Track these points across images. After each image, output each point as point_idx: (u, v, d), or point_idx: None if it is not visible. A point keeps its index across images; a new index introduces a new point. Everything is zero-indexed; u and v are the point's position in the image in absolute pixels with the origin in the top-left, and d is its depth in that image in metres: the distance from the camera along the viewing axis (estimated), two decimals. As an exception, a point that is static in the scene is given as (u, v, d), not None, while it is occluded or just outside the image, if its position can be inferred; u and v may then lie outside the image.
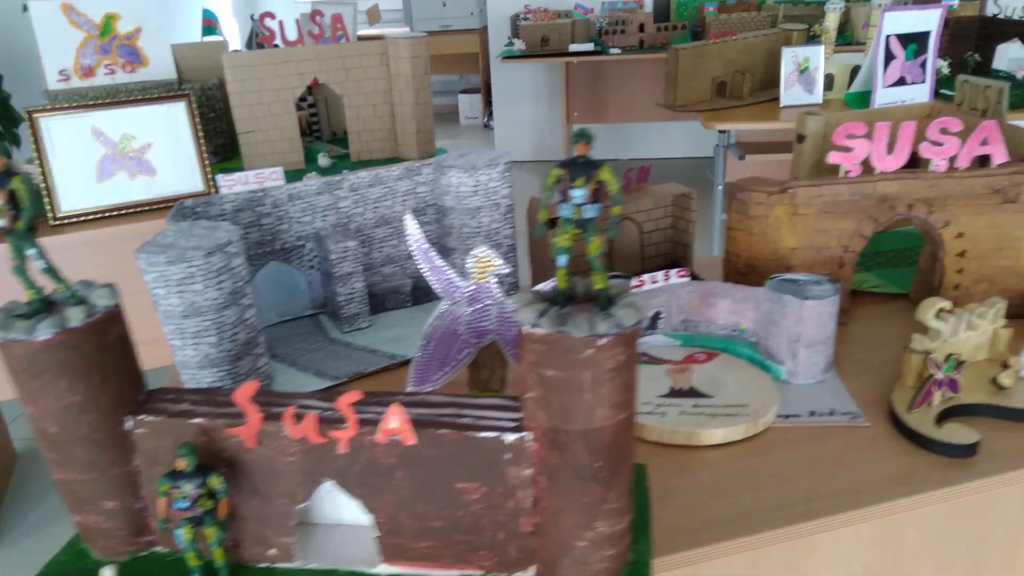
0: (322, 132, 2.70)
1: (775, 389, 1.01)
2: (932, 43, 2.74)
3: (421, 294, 1.36)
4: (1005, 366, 0.98)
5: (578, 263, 0.68)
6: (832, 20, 3.03)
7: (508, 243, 1.32)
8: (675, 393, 1.01)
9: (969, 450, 0.89)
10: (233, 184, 1.18)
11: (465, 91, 7.58)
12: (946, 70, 2.89)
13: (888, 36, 2.71)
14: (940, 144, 1.12)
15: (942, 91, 2.85)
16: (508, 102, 5.92)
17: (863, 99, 2.82)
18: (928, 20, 2.71)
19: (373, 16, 2.37)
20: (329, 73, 2.25)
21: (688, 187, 1.40)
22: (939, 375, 0.94)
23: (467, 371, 1.04)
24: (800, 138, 1.44)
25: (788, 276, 1.10)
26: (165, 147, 2.02)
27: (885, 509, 0.87)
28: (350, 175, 1.26)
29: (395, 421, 0.69)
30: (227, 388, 0.74)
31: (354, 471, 0.72)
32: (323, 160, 2.31)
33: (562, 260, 0.66)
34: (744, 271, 1.20)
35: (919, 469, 0.90)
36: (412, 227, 0.98)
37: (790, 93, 2.90)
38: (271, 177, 1.20)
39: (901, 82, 2.78)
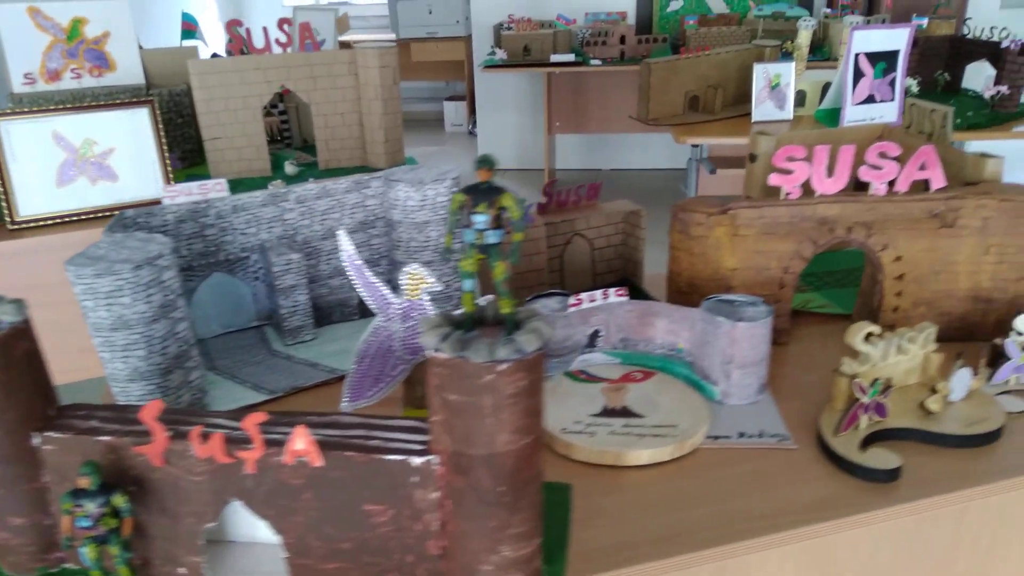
0: (293, 139, 2.69)
1: (707, 410, 1.01)
2: (901, 62, 2.76)
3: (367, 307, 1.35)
4: (933, 391, 0.99)
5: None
6: (804, 37, 3.06)
7: (455, 258, 1.32)
8: (607, 412, 1.01)
9: (891, 475, 0.90)
10: (176, 195, 1.17)
11: (451, 98, 7.59)
12: (915, 88, 2.92)
13: (857, 54, 2.74)
14: (879, 168, 1.13)
15: (911, 109, 2.88)
16: (491, 110, 5.94)
17: (833, 116, 2.85)
18: (897, 39, 2.73)
19: (343, 25, 2.37)
20: (297, 81, 2.25)
21: (639, 204, 1.41)
22: (865, 399, 0.94)
23: (402, 388, 1.04)
24: (752, 157, 1.45)
25: (725, 297, 1.11)
26: (127, 153, 2.01)
27: (808, 532, 0.87)
28: (296, 187, 1.26)
29: (301, 442, 0.69)
30: (138, 405, 0.73)
31: (261, 491, 0.72)
32: (289, 168, 2.31)
33: (467, 284, 0.66)
34: (686, 290, 1.20)
35: (844, 493, 0.90)
36: (345, 242, 0.98)
37: (761, 109, 2.92)
38: (215, 188, 1.19)
39: (870, 100, 2.81)
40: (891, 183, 1.14)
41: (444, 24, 6.79)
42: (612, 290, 1.11)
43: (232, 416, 0.72)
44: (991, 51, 2.85)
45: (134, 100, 2.02)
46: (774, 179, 1.14)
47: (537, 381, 0.65)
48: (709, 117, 3.01)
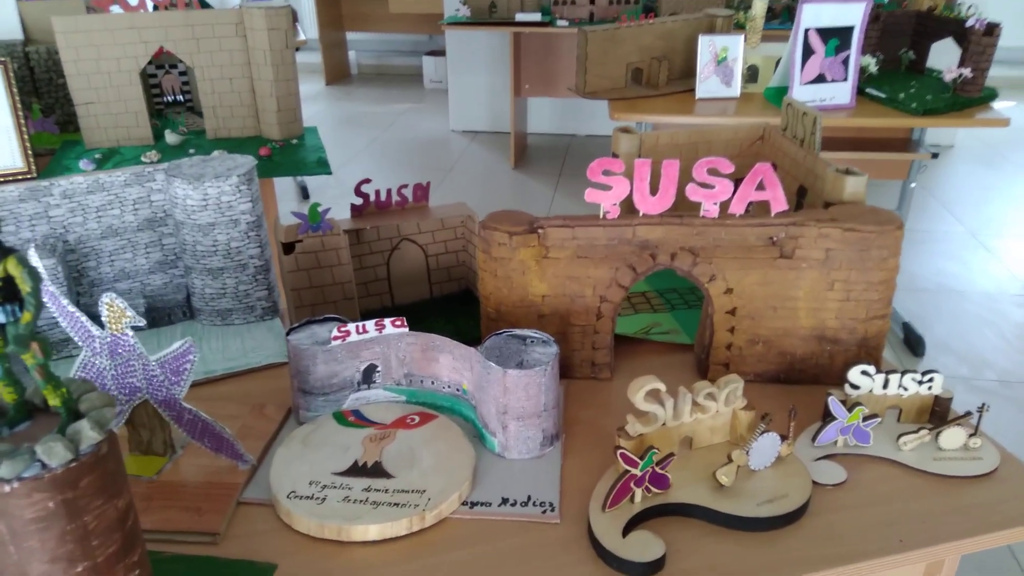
0: (194, 102, 2.51)
1: (470, 470, 0.87)
2: (856, 38, 2.55)
3: (159, 315, 1.21)
4: (729, 459, 0.84)
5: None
6: (759, 7, 2.84)
7: (256, 264, 1.17)
8: (355, 470, 0.87)
9: (649, 568, 0.76)
10: (-93, 189, 1.02)
11: (431, 53, 7.32)
12: (874, 68, 2.70)
13: (807, 29, 2.53)
14: (710, 187, 0.97)
15: (869, 90, 2.68)
16: (463, 69, 5.69)
17: (782, 95, 2.65)
18: (851, 14, 2.52)
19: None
20: (177, 42, 2.06)
21: (474, 210, 1.25)
22: (636, 471, 0.80)
23: (127, 430, 0.90)
24: (613, 157, 1.28)
25: (518, 332, 0.96)
26: (-23, 118, 1.84)
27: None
28: (62, 180, 1.10)
29: None
30: None
31: None
32: (171, 137, 2.13)
33: (-4, 370, 0.51)
34: (495, 317, 1.05)
35: (598, 584, 0.77)
36: (36, 265, 0.83)
37: (706, 85, 2.72)
38: (-43, 182, 1.04)
39: (821, 79, 2.60)
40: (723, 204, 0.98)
41: (423, -26, 6.50)
42: (388, 320, 0.96)
43: None
44: (956, 30, 2.63)
45: (-17, 60, 1.84)
46: (591, 195, 0.98)
47: (77, 499, 0.51)
48: (653, 92, 2.81)
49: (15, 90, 1.87)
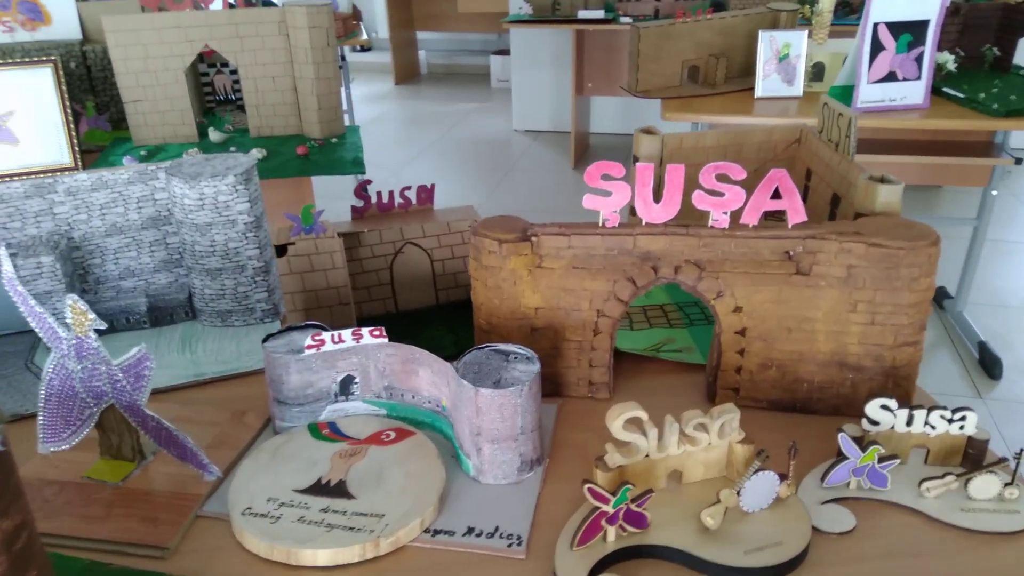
0: (245, 101, 2.54)
1: (437, 494, 0.81)
2: (931, 34, 2.37)
3: (162, 315, 1.20)
4: (718, 499, 0.76)
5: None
6: (827, 1, 2.67)
7: (255, 265, 1.14)
8: (317, 488, 0.82)
9: (613, 618, 0.69)
10: (-85, 184, 1.04)
11: (498, 52, 7.31)
12: (952, 65, 2.51)
13: (876, 24, 2.36)
14: (720, 194, 0.88)
15: (945, 89, 2.48)
16: (527, 67, 5.65)
17: (849, 94, 2.49)
18: (926, 7, 2.33)
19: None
20: (221, 41, 2.09)
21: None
22: (607, 508, 0.73)
23: (97, 433, 0.88)
24: (635, 160, 1.21)
25: (501, 347, 0.90)
26: (29, 115, 1.91)
27: None
28: (66, 178, 1.10)
29: None
30: None
31: None
32: (215, 135, 2.16)
33: None
34: (487, 329, 0.99)
35: (561, 629, 0.70)
36: (5, 263, 0.82)
37: (767, 83, 2.58)
38: (-38, 178, 1.05)
39: (891, 77, 2.43)
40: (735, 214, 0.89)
41: (492, -27, 6.50)
42: (366, 330, 0.91)
43: None
44: (1047, 23, 2.41)
45: (35, 60, 1.90)
46: (588, 201, 0.91)
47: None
48: (710, 90, 2.68)
49: (64, 88, 1.93)
